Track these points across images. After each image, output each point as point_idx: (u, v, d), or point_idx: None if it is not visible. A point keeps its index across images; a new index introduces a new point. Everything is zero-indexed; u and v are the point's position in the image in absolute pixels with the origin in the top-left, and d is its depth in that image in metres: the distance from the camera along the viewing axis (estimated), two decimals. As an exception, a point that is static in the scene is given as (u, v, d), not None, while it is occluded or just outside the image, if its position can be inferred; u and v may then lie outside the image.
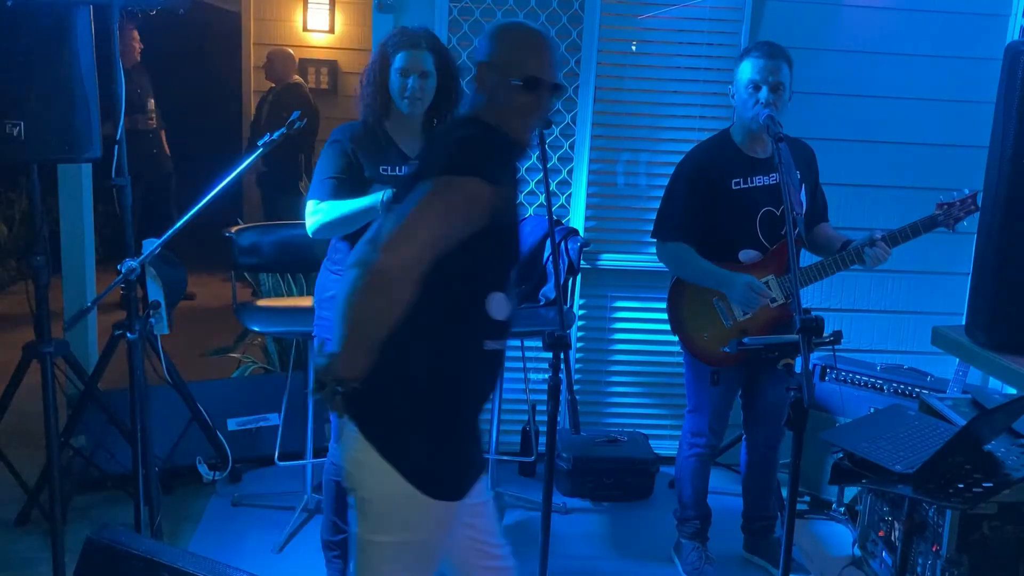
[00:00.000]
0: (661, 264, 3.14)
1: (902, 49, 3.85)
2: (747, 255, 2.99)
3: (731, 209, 2.97)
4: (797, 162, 2.85)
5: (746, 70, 2.89)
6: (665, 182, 3.11)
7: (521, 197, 3.92)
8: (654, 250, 3.15)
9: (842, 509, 3.61)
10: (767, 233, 2.98)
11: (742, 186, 2.96)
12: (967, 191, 2.95)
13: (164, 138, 6.33)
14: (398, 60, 2.65)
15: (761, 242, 2.98)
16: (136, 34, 6.05)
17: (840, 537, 3.48)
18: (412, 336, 1.81)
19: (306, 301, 3.36)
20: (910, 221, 2.96)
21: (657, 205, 3.12)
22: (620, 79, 3.87)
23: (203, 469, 3.57)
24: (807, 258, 3.12)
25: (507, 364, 3.53)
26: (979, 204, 2.87)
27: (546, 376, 2.49)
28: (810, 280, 2.98)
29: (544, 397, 2.39)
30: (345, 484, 1.92)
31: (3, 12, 2.56)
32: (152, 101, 6.10)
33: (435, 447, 1.87)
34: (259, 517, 3.48)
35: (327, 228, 2.64)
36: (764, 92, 2.84)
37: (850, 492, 3.59)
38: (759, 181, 2.96)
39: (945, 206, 2.96)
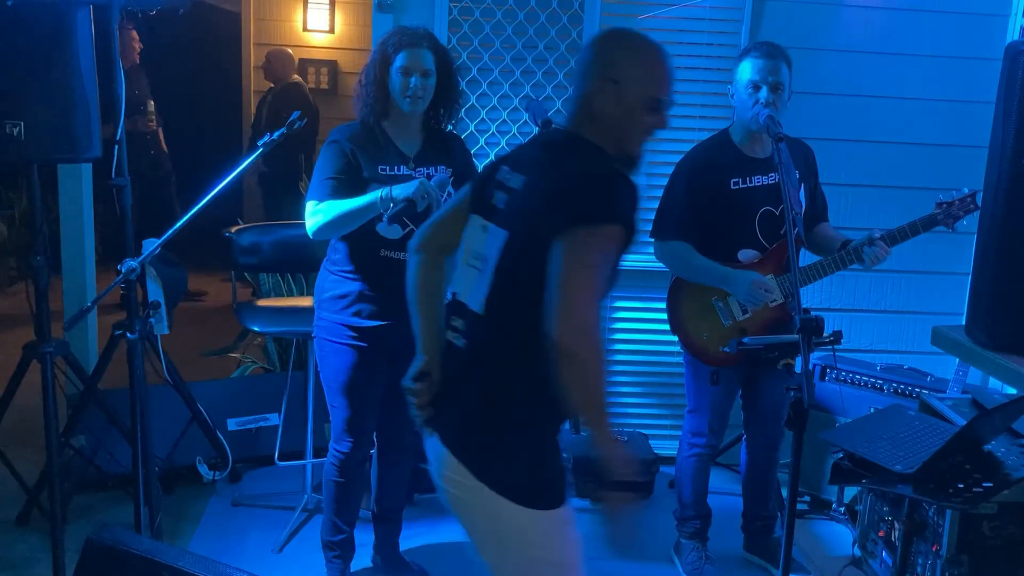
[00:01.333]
0: (661, 264, 3.14)
1: (902, 49, 3.85)
2: (746, 255, 3.00)
3: (730, 209, 2.97)
4: (796, 162, 2.86)
5: (746, 70, 2.89)
6: (664, 182, 3.11)
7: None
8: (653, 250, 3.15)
9: (842, 509, 3.61)
10: (766, 233, 2.98)
11: (741, 186, 2.96)
12: (966, 190, 2.95)
13: (162, 137, 6.33)
14: (400, 59, 2.64)
15: (760, 242, 2.98)
16: (135, 35, 6.04)
17: (840, 537, 3.48)
18: (528, 385, 1.80)
19: (306, 301, 3.36)
20: (909, 221, 2.96)
21: (656, 205, 3.12)
22: (620, 79, 3.86)
23: (203, 469, 3.57)
24: (806, 258, 3.12)
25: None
26: (978, 203, 2.87)
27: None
28: (809, 280, 2.98)
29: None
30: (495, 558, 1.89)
31: (3, 12, 2.56)
32: (151, 103, 6.10)
33: (552, 470, 1.93)
34: (259, 517, 3.48)
35: (327, 228, 2.64)
36: (764, 92, 2.84)
37: (850, 492, 3.59)
38: (758, 181, 2.96)
39: (944, 205, 2.96)
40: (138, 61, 6.05)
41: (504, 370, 1.82)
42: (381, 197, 2.54)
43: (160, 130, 6.28)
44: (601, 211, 1.73)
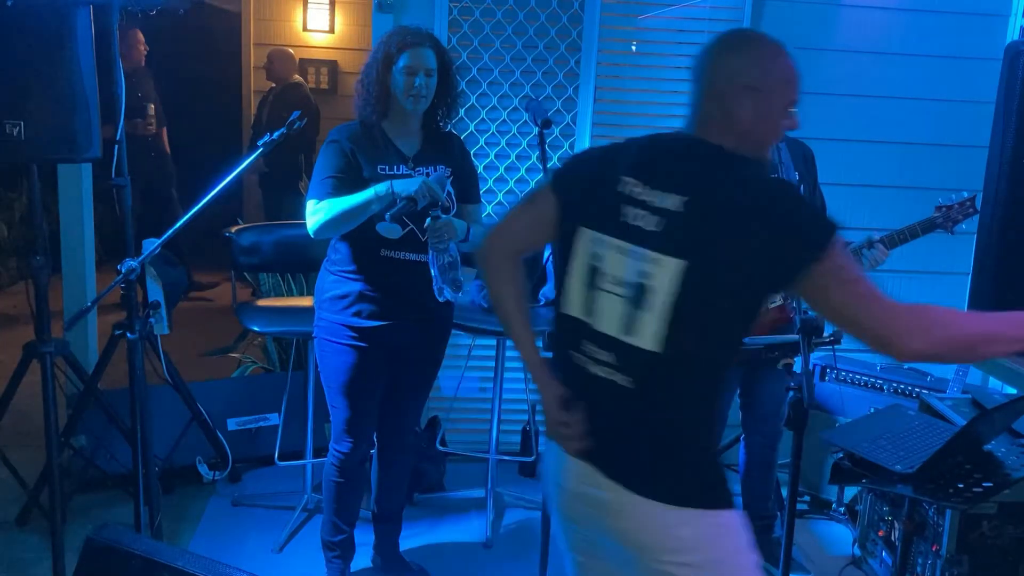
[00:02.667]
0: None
1: (902, 49, 3.85)
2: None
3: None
4: (796, 162, 2.85)
5: None
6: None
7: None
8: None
9: (842, 509, 3.61)
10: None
11: None
12: (966, 194, 2.95)
13: (166, 139, 6.33)
14: (404, 59, 2.64)
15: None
16: (140, 36, 6.04)
17: (840, 537, 3.48)
18: (709, 418, 1.75)
19: (306, 301, 3.35)
20: (909, 221, 2.96)
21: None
22: (620, 79, 3.87)
23: (203, 469, 3.57)
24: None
25: (507, 364, 3.54)
26: (978, 207, 2.88)
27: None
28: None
29: (544, 397, 2.40)
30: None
31: (3, 12, 2.56)
32: (152, 106, 6.09)
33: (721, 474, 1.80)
34: (259, 517, 3.48)
35: (328, 226, 2.64)
36: None
37: (850, 492, 3.59)
38: None
39: (944, 208, 2.96)
40: (143, 63, 6.06)
41: (689, 412, 1.70)
42: (383, 192, 2.53)
43: (164, 131, 6.28)
44: (824, 223, 1.63)
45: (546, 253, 3.56)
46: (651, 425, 1.70)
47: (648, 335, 1.66)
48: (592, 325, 1.73)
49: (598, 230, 1.75)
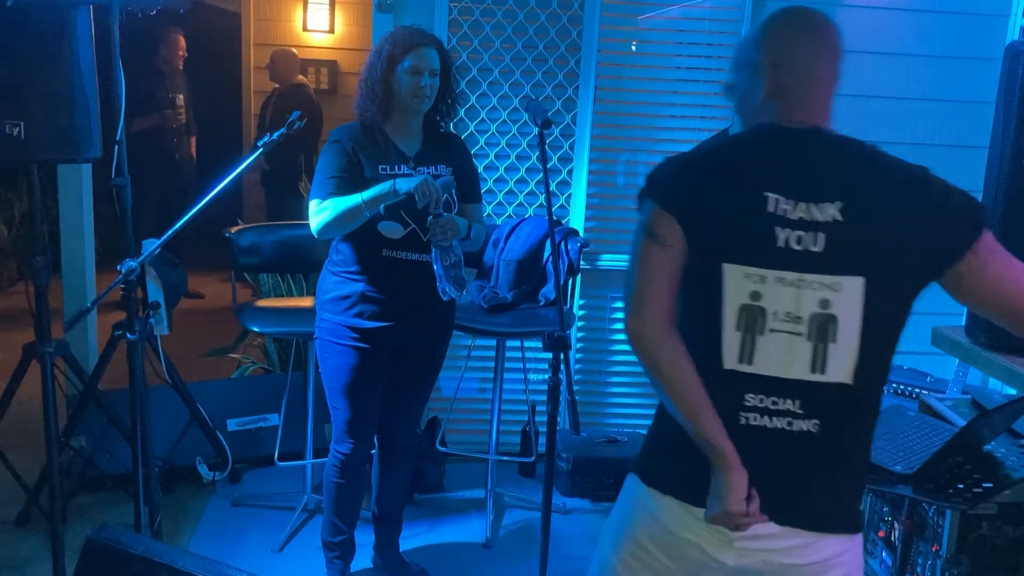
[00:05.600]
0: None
1: (902, 49, 3.85)
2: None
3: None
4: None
5: None
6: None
7: (521, 197, 3.92)
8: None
9: (842, 509, 3.61)
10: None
11: None
12: None
13: (193, 147, 6.36)
14: (409, 59, 2.64)
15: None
16: (182, 41, 6.08)
17: (840, 537, 3.47)
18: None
19: (306, 301, 3.36)
20: None
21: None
22: (620, 79, 3.87)
23: (203, 469, 3.57)
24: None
25: (507, 364, 3.54)
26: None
27: (546, 376, 2.49)
28: None
29: (544, 397, 2.39)
30: None
31: (3, 12, 2.56)
32: (181, 96, 6.12)
33: None
34: (259, 517, 3.48)
35: (332, 226, 2.63)
36: None
37: (850, 492, 3.58)
38: None
39: None
40: (181, 66, 6.11)
41: (867, 440, 1.61)
42: (386, 190, 2.53)
43: (192, 140, 6.32)
44: (976, 201, 1.59)
45: (545, 253, 3.55)
46: (834, 464, 1.58)
47: (841, 368, 1.51)
48: (760, 373, 1.53)
49: (751, 264, 1.51)
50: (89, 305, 2.78)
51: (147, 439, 2.82)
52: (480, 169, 3.42)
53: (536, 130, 2.59)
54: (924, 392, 3.27)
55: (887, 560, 3.01)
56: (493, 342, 3.52)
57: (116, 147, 2.79)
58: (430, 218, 2.58)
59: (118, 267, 2.65)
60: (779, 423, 1.54)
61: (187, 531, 3.36)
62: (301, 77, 6.67)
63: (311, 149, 6.21)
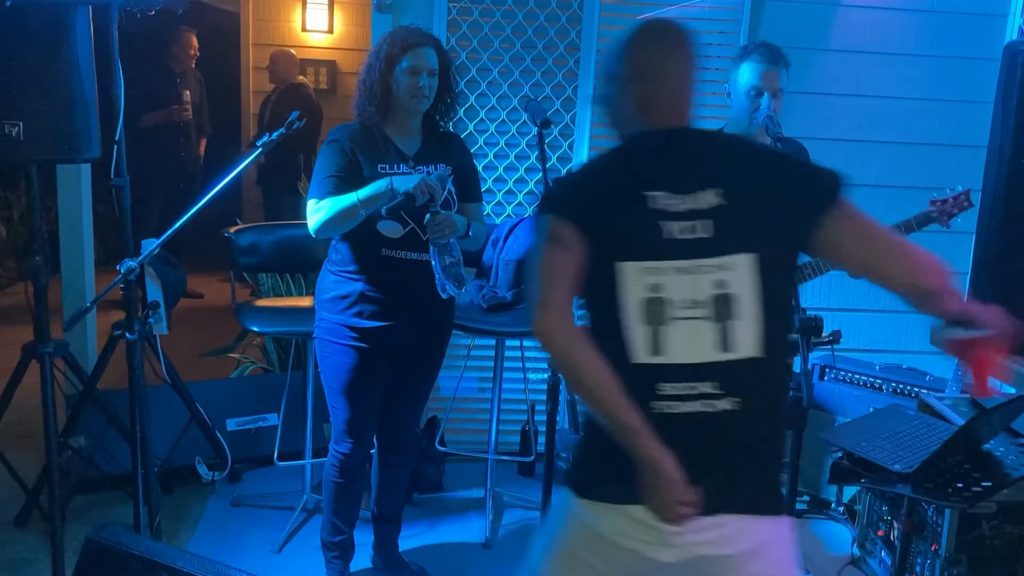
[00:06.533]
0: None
1: (901, 49, 3.85)
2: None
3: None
4: (791, 161, 2.86)
5: (746, 74, 2.88)
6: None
7: (520, 197, 3.93)
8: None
9: (841, 509, 3.61)
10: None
11: None
12: (960, 188, 2.96)
13: (203, 148, 6.34)
14: (407, 60, 2.64)
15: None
16: (195, 41, 6.08)
17: (839, 537, 3.47)
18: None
19: (305, 301, 3.36)
20: (904, 218, 2.97)
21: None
22: (619, 79, 3.87)
23: (202, 469, 3.57)
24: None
25: (506, 364, 3.54)
26: (972, 200, 2.89)
27: (545, 376, 2.49)
28: (804, 277, 2.98)
29: (543, 397, 2.40)
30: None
31: (2, 12, 2.56)
32: (188, 93, 6.10)
33: None
34: (258, 517, 3.48)
35: (329, 225, 2.63)
36: (766, 99, 2.84)
37: (849, 492, 3.59)
38: None
39: (938, 203, 2.97)
40: (193, 66, 6.11)
41: (780, 414, 1.68)
42: (383, 189, 2.53)
43: (204, 142, 6.31)
44: (829, 169, 1.71)
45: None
46: (756, 439, 1.63)
47: (749, 342, 1.58)
48: (672, 362, 1.59)
49: (645, 259, 1.60)
50: (88, 305, 2.78)
51: (146, 439, 2.82)
52: (479, 169, 3.42)
53: (535, 130, 2.59)
54: (923, 391, 3.28)
55: (886, 559, 3.01)
56: (492, 341, 3.53)
57: (115, 147, 2.79)
58: (427, 215, 2.58)
59: (117, 267, 2.65)
60: (699, 406, 1.58)
61: (186, 531, 3.36)
62: (301, 77, 6.67)
63: (310, 149, 6.21)
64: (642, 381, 1.58)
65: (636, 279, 1.59)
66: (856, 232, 1.63)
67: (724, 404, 1.58)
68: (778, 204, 1.62)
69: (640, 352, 1.59)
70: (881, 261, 1.63)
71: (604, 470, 1.65)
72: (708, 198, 1.59)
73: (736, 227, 1.59)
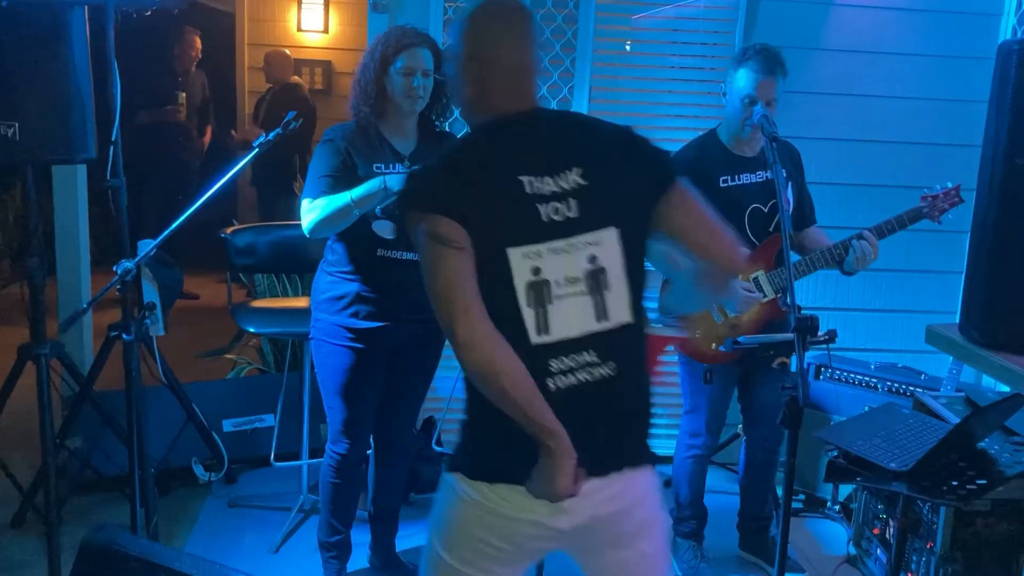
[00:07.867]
0: (649, 264, 3.15)
1: (895, 48, 3.86)
2: (738, 252, 3.00)
3: (720, 207, 2.95)
4: (783, 161, 2.87)
5: (743, 81, 2.88)
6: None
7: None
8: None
9: (837, 507, 3.62)
10: (756, 230, 2.99)
11: (730, 184, 2.97)
12: (950, 183, 2.99)
13: (205, 143, 6.34)
14: (401, 60, 2.64)
15: (750, 239, 2.99)
16: (197, 41, 6.07)
17: (835, 535, 3.49)
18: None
19: (302, 302, 3.36)
20: (895, 214, 2.98)
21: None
22: (615, 79, 3.88)
23: (199, 470, 3.57)
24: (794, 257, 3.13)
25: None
26: (962, 196, 2.91)
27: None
28: (799, 275, 2.99)
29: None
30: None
31: (-2, 12, 2.56)
32: (183, 95, 6.10)
33: None
34: (255, 518, 3.48)
35: (323, 224, 2.63)
36: (759, 107, 2.85)
37: (845, 490, 3.60)
38: (746, 179, 2.98)
39: (929, 198, 2.99)
40: (195, 66, 6.11)
41: (646, 371, 1.80)
42: (376, 188, 2.53)
43: (206, 140, 6.30)
44: (668, 153, 1.81)
45: None
46: (631, 398, 1.75)
47: (621, 310, 1.69)
48: (555, 338, 1.64)
49: (526, 243, 1.64)
50: (85, 306, 2.78)
51: (143, 440, 2.82)
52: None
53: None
54: (918, 390, 3.29)
55: (882, 557, 3.02)
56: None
57: (112, 148, 2.79)
58: None
59: (114, 268, 2.65)
60: (583, 376, 1.66)
61: (183, 532, 3.36)
62: (296, 77, 6.67)
63: (305, 149, 6.21)
64: (536, 362, 1.62)
65: (520, 264, 1.64)
66: (690, 211, 1.77)
67: (603, 370, 1.67)
68: (630, 179, 1.73)
69: (531, 334, 1.64)
70: (709, 239, 1.78)
71: (499, 451, 1.69)
72: (572, 178, 1.67)
73: (599, 203, 1.68)
